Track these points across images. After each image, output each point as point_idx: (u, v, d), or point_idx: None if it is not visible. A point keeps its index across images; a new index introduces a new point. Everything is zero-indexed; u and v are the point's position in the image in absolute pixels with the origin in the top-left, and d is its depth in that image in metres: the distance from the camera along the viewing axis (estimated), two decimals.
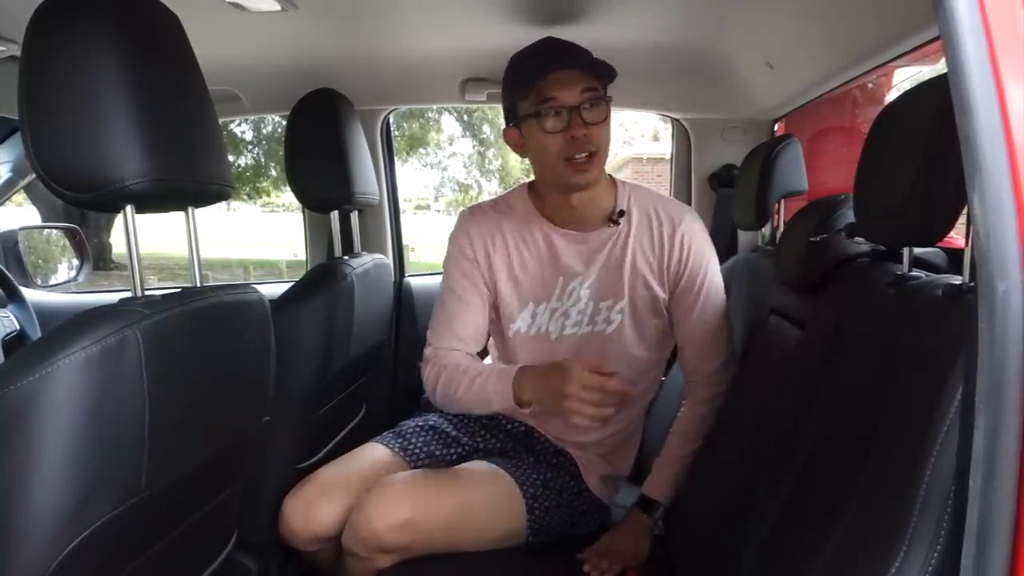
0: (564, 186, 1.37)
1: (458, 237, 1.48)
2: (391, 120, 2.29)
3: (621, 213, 1.43)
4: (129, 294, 0.89)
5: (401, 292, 2.26)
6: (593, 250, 1.43)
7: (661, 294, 1.44)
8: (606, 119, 1.33)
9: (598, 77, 1.32)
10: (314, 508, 1.37)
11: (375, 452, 1.50)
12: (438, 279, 1.70)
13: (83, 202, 0.84)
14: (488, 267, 1.46)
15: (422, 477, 1.37)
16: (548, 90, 1.30)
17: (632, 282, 1.42)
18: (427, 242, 6.39)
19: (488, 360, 1.60)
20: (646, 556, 1.38)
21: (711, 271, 1.45)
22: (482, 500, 1.36)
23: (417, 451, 1.48)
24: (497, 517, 1.36)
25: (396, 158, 2.43)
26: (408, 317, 2.25)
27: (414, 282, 2.30)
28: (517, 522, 1.37)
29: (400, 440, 1.49)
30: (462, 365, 1.40)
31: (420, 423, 1.54)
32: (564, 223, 1.44)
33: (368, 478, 1.38)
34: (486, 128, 12.40)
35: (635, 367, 1.45)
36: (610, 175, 1.46)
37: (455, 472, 1.40)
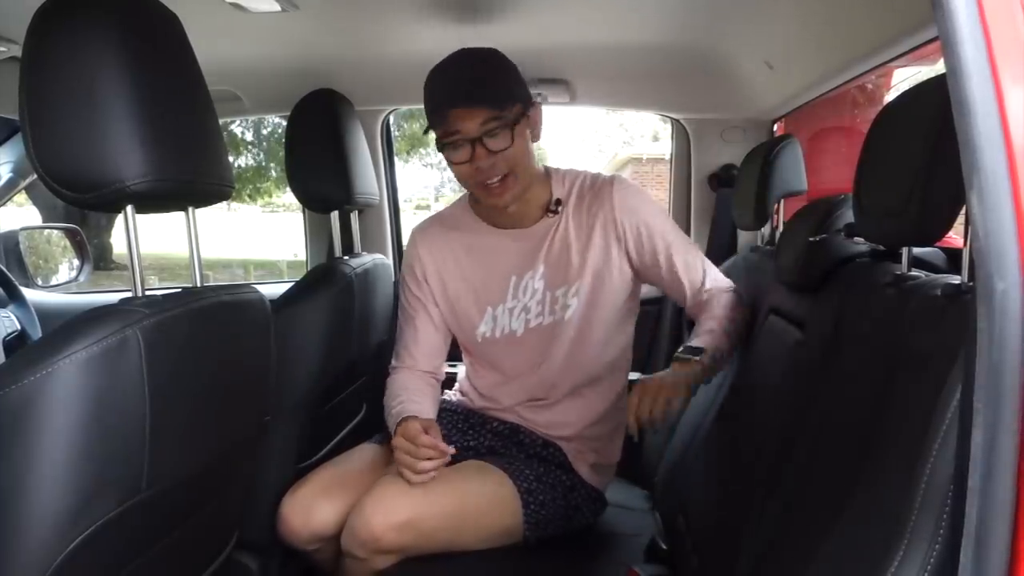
0: (488, 205, 1.41)
1: (409, 258, 1.55)
2: (391, 120, 2.29)
3: (559, 202, 1.46)
4: (130, 294, 0.89)
5: None
6: (538, 242, 1.46)
7: (621, 264, 1.45)
8: (513, 143, 1.32)
9: (500, 107, 1.31)
10: (312, 508, 1.37)
11: (372, 452, 1.51)
12: None
13: (84, 202, 0.84)
14: (440, 283, 1.52)
15: None
16: (451, 124, 1.31)
17: (583, 263, 1.44)
18: None
19: (460, 369, 1.65)
20: (684, 393, 1.28)
21: (658, 222, 1.46)
22: (478, 498, 1.36)
23: None
24: (494, 514, 1.37)
25: (396, 158, 2.43)
26: None
27: None
28: (514, 518, 1.37)
29: None
30: (392, 389, 1.49)
31: None
32: (506, 224, 1.48)
33: (365, 478, 1.39)
34: None
35: (600, 347, 1.48)
36: (545, 166, 1.49)
37: (451, 471, 1.40)
